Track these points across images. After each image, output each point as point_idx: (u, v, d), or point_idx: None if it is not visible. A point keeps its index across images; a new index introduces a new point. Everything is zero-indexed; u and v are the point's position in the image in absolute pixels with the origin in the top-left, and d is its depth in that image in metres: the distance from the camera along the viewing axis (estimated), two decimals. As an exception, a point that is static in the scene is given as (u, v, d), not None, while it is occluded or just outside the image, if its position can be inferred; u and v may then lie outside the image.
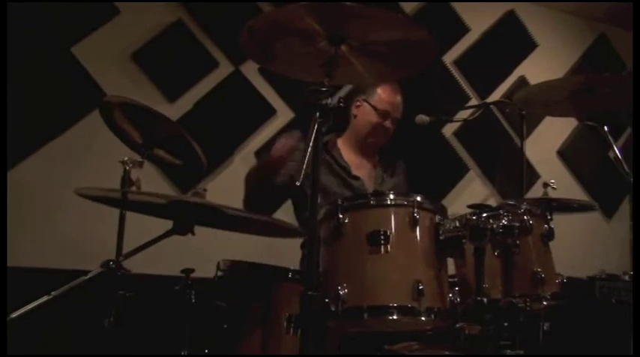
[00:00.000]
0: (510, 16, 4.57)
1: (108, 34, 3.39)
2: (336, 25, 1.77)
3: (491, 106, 4.17)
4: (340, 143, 3.08)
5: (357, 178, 2.97)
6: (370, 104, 2.98)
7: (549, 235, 2.06)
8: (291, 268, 2.17)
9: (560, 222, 2.21)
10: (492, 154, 4.42)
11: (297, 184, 1.62)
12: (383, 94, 2.99)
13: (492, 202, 4.20)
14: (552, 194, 3.05)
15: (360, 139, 3.06)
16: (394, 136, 3.06)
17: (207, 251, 2.61)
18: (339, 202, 1.84)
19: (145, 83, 3.45)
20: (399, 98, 3.02)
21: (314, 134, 1.65)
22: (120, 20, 3.41)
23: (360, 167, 3.04)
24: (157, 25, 3.51)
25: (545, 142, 4.58)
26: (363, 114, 3.02)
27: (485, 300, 1.81)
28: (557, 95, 2.54)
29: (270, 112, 3.71)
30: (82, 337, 2.54)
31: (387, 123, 3.00)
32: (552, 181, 3.06)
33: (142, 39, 3.47)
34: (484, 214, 1.84)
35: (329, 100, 1.69)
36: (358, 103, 3.04)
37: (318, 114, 1.69)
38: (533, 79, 4.54)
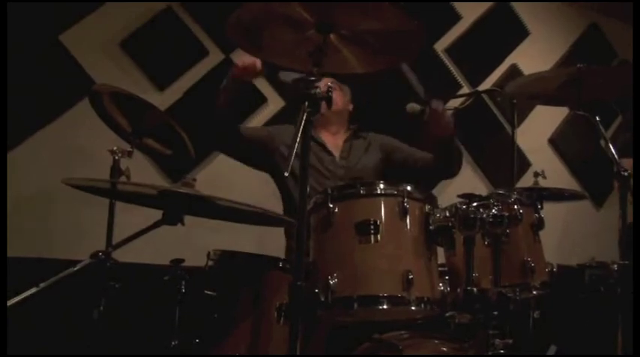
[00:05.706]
0: (502, 4, 4.55)
1: (96, 22, 3.35)
2: (325, 13, 1.75)
3: (482, 94, 4.17)
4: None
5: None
6: None
7: (539, 224, 2.06)
8: (282, 257, 2.16)
9: (550, 210, 2.21)
10: (483, 142, 4.42)
11: (286, 174, 1.60)
12: None
13: (483, 190, 4.21)
14: (543, 183, 3.07)
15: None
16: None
17: (197, 241, 2.60)
18: (329, 191, 1.84)
19: (134, 71, 3.42)
20: None
21: (302, 124, 1.64)
22: (108, 7, 3.38)
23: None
24: (147, 13, 3.47)
25: (537, 131, 4.59)
26: None
27: (475, 289, 1.82)
28: (547, 86, 2.53)
29: (260, 100, 3.69)
30: (72, 328, 2.54)
31: None
32: (543, 170, 3.07)
33: (131, 27, 3.44)
34: (474, 204, 1.84)
35: (317, 90, 1.67)
36: None
37: (306, 104, 1.67)
38: (525, 68, 4.54)
